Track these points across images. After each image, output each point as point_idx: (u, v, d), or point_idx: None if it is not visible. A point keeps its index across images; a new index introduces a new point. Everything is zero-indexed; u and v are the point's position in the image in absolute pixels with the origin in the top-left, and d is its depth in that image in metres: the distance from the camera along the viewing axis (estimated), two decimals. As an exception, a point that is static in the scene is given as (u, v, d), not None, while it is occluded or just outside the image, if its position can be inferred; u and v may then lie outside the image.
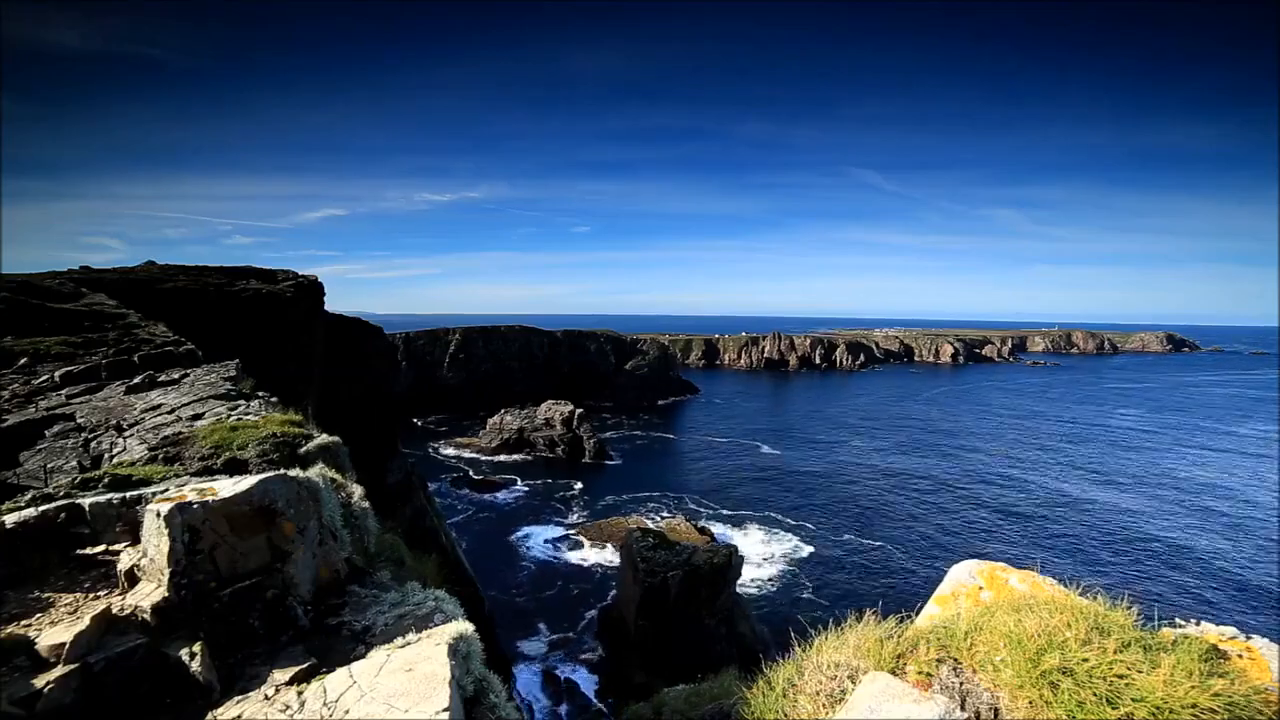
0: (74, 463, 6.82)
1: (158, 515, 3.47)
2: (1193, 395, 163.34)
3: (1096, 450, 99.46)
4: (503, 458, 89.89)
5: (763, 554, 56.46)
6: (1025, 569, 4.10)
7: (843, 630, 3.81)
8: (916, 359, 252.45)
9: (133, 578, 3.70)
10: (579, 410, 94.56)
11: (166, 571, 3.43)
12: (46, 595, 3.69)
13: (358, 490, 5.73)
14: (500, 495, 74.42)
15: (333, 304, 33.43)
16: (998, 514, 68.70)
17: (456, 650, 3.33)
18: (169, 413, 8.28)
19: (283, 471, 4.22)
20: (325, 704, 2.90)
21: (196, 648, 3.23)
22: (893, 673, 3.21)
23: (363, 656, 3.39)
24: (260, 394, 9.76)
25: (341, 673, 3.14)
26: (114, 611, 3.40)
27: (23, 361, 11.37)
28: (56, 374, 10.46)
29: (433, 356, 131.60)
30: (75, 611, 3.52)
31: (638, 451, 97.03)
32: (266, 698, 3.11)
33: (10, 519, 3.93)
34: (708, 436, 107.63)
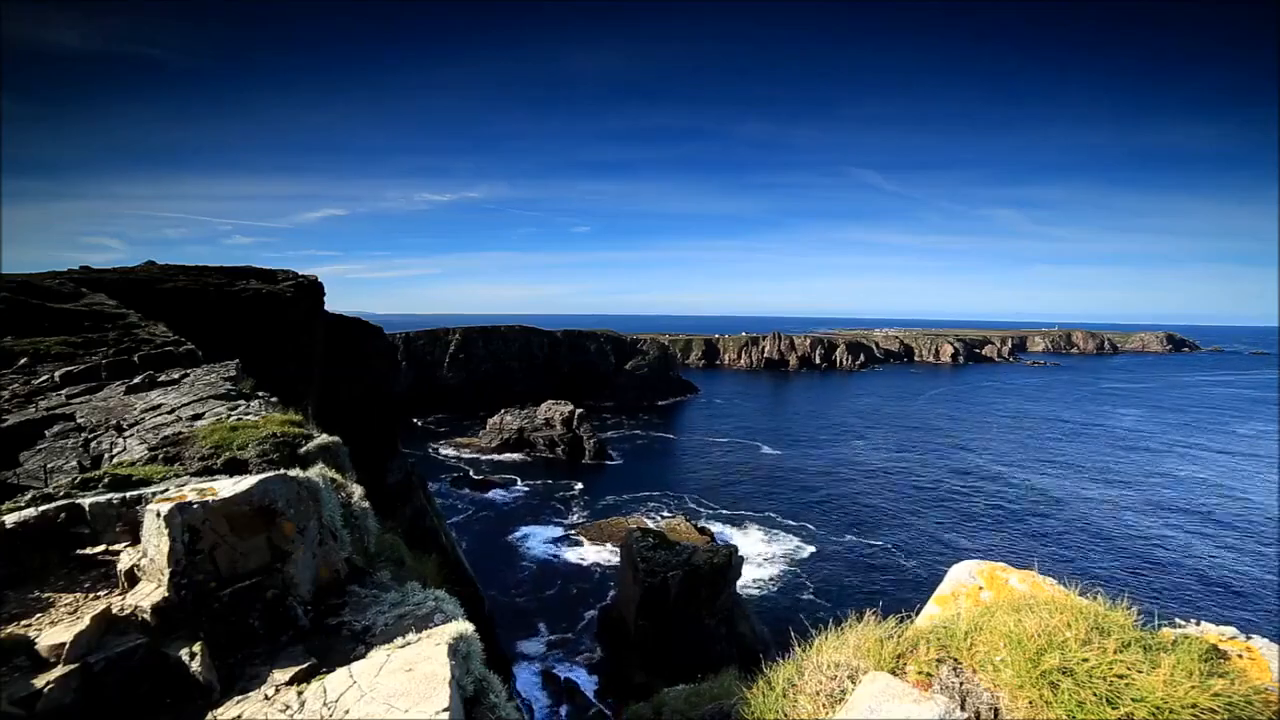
0: (74, 463, 6.82)
1: (158, 515, 3.47)
2: (1193, 395, 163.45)
3: (1096, 450, 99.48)
4: (503, 458, 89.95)
5: (763, 554, 56.50)
6: (1025, 569, 4.10)
7: (843, 630, 3.82)
8: (916, 359, 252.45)
9: (133, 578, 3.70)
10: (579, 410, 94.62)
11: (166, 571, 3.43)
12: (46, 595, 3.69)
13: (358, 490, 5.72)
14: (500, 495, 74.43)
15: (333, 304, 33.45)
16: (997, 514, 68.70)
17: (456, 650, 3.33)
18: (169, 413, 8.28)
19: (283, 471, 4.22)
20: (325, 704, 2.90)
21: (196, 648, 3.23)
22: (893, 673, 3.21)
23: (363, 656, 3.39)
24: (260, 394, 9.75)
25: (341, 673, 3.14)
26: (114, 611, 3.40)
27: (23, 361, 11.37)
28: (56, 374, 10.46)
29: (433, 356, 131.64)
30: (75, 611, 3.52)
31: (638, 451, 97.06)
32: (266, 698, 3.11)
33: (10, 519, 3.93)
34: (708, 436, 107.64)
